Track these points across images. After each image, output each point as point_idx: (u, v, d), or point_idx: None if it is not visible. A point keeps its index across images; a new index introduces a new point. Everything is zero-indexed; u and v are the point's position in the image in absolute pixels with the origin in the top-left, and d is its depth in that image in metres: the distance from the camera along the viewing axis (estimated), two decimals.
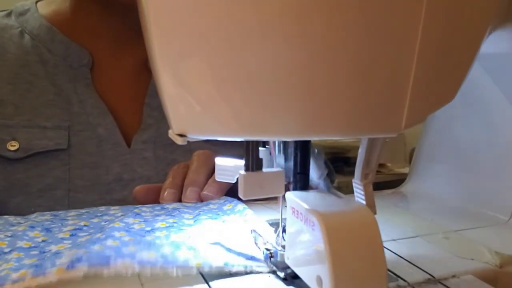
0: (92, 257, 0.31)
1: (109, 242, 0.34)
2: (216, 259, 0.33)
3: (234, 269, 0.33)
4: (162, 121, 0.64)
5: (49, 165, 0.59)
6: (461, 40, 0.28)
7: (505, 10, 0.33)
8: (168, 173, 0.53)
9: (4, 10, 0.67)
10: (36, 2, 0.68)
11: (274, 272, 0.34)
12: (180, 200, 0.50)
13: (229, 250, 0.35)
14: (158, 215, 0.44)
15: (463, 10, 0.27)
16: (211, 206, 0.47)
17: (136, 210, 0.45)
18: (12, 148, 0.58)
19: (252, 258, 0.35)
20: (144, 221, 0.41)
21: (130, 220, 0.41)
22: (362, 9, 0.24)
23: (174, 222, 0.41)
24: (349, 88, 0.26)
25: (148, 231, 0.38)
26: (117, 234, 0.37)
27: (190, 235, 0.37)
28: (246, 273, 0.33)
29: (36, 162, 0.58)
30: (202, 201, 0.50)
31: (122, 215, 0.44)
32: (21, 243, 0.36)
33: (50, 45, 0.63)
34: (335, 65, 0.25)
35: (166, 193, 0.50)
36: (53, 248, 0.35)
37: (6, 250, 0.35)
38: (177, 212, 0.45)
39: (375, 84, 0.26)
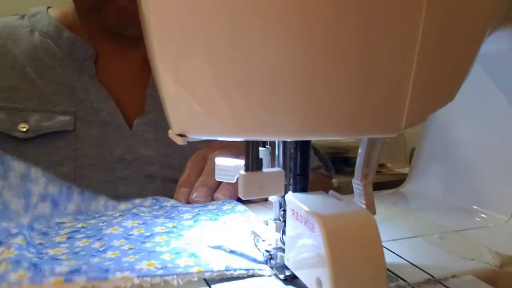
0: (90, 269, 0.31)
1: (109, 254, 0.34)
2: (217, 264, 0.33)
3: (236, 273, 0.33)
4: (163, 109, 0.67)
5: (56, 144, 0.64)
6: (461, 40, 0.28)
7: (505, 10, 0.33)
8: (185, 165, 0.56)
9: (18, 14, 0.75)
10: (48, 8, 0.75)
11: (274, 274, 0.34)
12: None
13: (230, 253, 0.35)
14: (156, 216, 0.44)
15: (463, 11, 0.27)
16: (210, 206, 0.47)
17: (134, 211, 0.45)
18: (23, 129, 0.64)
19: (254, 260, 0.34)
20: (143, 223, 0.41)
21: (129, 224, 0.41)
22: (363, 9, 0.24)
23: (174, 227, 0.41)
24: (349, 88, 0.26)
25: (148, 237, 0.38)
26: (116, 243, 0.36)
27: (190, 242, 0.37)
28: (248, 276, 0.33)
29: (46, 142, 0.64)
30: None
31: (120, 215, 0.44)
32: (18, 240, 0.35)
33: (58, 41, 0.70)
34: (335, 66, 0.25)
35: (179, 194, 0.52)
36: (50, 252, 0.35)
37: (14, 231, 0.35)
38: (176, 212, 0.45)
39: (375, 84, 0.26)
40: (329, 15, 0.24)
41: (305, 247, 0.30)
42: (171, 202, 0.48)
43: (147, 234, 0.39)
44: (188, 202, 0.51)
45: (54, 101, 0.66)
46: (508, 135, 0.47)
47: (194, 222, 0.42)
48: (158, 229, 0.40)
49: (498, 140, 0.49)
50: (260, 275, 0.33)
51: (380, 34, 0.25)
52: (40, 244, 0.36)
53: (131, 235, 0.39)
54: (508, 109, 0.47)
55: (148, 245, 0.36)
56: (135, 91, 0.70)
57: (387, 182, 0.70)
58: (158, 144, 0.68)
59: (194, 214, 0.44)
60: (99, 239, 0.37)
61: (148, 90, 0.70)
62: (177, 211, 0.46)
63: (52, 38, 0.70)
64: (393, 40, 0.26)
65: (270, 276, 0.34)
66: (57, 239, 0.38)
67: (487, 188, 0.50)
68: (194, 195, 0.51)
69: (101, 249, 0.35)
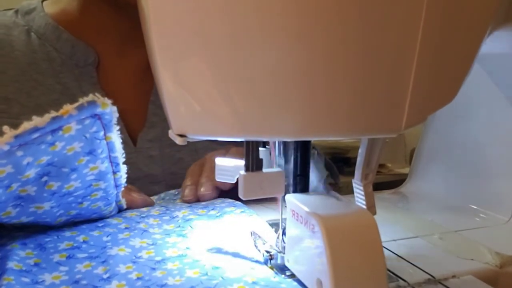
0: None
1: (114, 286, 0.31)
2: None
3: None
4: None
5: None
6: (461, 40, 0.28)
7: (505, 10, 0.33)
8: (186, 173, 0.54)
9: (10, 9, 0.68)
10: (42, 1, 0.68)
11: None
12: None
13: (252, 284, 0.32)
14: (167, 233, 0.40)
15: (463, 11, 0.27)
16: (226, 216, 0.44)
17: (142, 225, 0.41)
18: None
19: None
20: (153, 244, 0.37)
21: (137, 243, 0.37)
22: (363, 9, 0.24)
23: (187, 248, 0.37)
24: (349, 88, 0.26)
25: (158, 262, 0.34)
26: (123, 268, 0.33)
27: (207, 271, 0.33)
28: None
29: None
30: (198, 200, 0.50)
31: (126, 227, 0.40)
32: (11, 264, 0.32)
33: (56, 44, 0.64)
34: (336, 66, 0.25)
35: (186, 190, 0.51)
36: (47, 278, 0.32)
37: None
38: (189, 227, 0.41)
39: (376, 84, 0.26)
40: (329, 15, 0.24)
41: (305, 247, 0.30)
42: (182, 211, 0.45)
43: (158, 258, 0.35)
44: (197, 199, 0.50)
45: None
46: (507, 135, 0.47)
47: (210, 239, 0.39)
48: (170, 251, 0.36)
49: (498, 140, 0.49)
50: None
51: (380, 34, 0.25)
52: (36, 264, 0.33)
53: (139, 257, 0.35)
54: (508, 109, 0.47)
55: (159, 273, 0.32)
56: (138, 99, 0.66)
57: (387, 182, 0.70)
58: (164, 162, 0.64)
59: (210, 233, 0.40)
60: (103, 262, 0.34)
61: (152, 96, 0.66)
62: (190, 226, 0.41)
63: (50, 40, 0.64)
64: (393, 40, 0.25)
65: None
66: (56, 257, 0.34)
67: (487, 188, 0.50)
68: (202, 189, 0.49)
69: (105, 277, 0.32)
